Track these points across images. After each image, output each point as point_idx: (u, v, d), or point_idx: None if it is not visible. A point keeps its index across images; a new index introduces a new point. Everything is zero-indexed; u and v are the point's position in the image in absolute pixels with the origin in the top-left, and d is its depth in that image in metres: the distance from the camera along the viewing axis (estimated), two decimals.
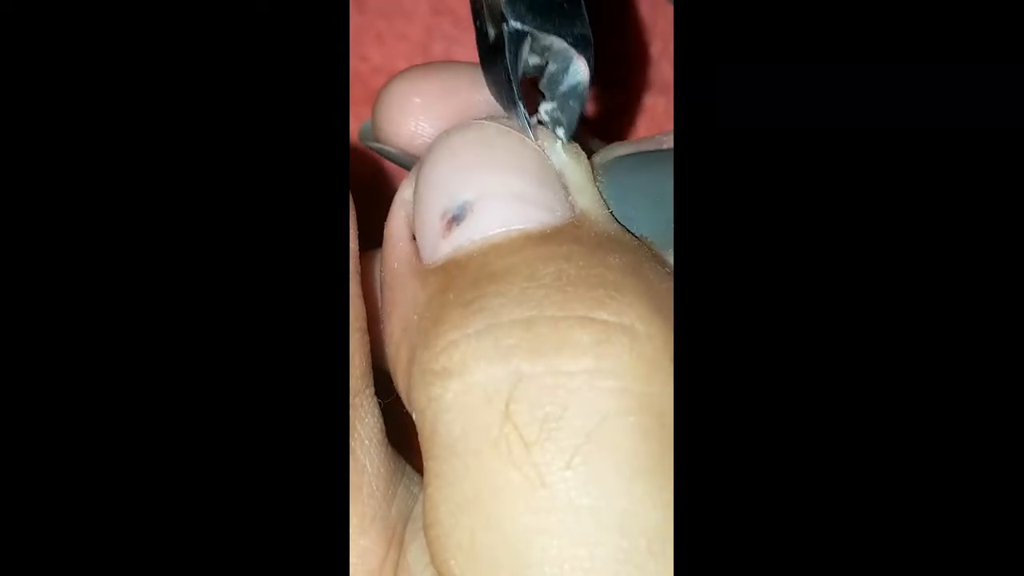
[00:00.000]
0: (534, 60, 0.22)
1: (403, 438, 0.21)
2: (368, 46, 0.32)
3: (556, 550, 0.17)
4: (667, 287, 0.19)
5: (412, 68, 0.24)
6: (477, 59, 0.23)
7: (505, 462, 0.17)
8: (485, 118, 0.21)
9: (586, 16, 0.22)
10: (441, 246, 0.20)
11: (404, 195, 0.22)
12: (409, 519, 0.21)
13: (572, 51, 0.21)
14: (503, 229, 0.20)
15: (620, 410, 0.17)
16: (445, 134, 0.21)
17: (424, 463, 0.19)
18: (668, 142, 0.22)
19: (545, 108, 0.22)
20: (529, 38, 0.21)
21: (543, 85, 0.22)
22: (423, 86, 0.23)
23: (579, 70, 0.21)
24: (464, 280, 0.19)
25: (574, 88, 0.21)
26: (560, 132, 0.21)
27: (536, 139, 0.21)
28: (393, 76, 0.24)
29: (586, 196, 0.21)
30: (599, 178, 0.21)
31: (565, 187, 0.21)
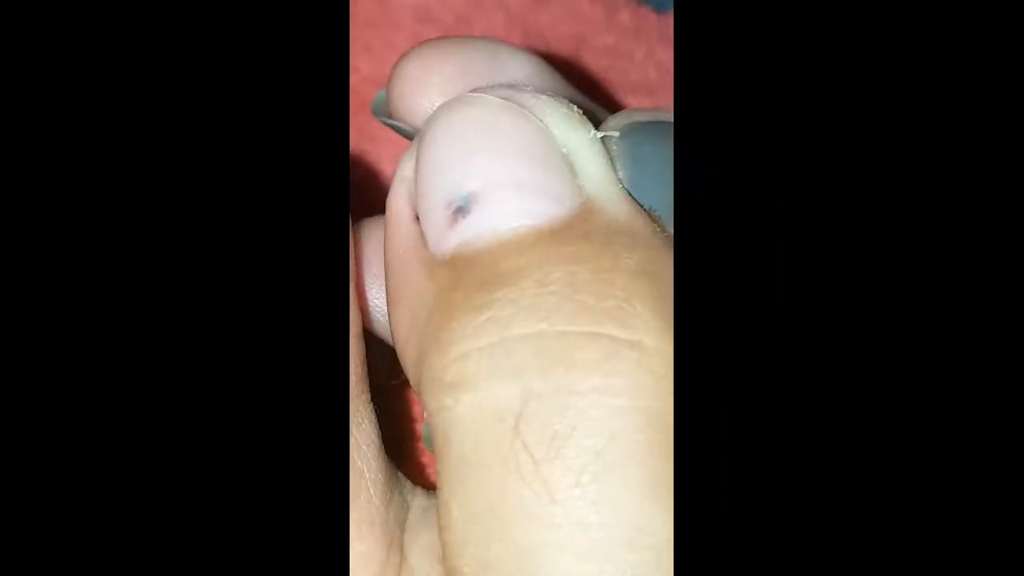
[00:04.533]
0: None
1: (395, 446, 0.22)
2: (356, 57, 0.32)
3: (567, 564, 0.17)
4: None
5: (427, 44, 0.23)
6: None
7: (515, 478, 0.18)
8: (487, 89, 0.21)
9: None
10: (448, 238, 0.20)
11: (405, 172, 0.21)
12: (406, 527, 0.21)
13: None
14: (511, 224, 0.19)
15: (629, 428, 0.18)
16: (445, 108, 0.20)
17: (437, 464, 0.19)
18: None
19: None
20: None
21: None
22: (441, 66, 0.22)
23: None
24: (472, 280, 0.19)
25: None
26: None
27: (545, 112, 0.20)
28: (409, 51, 0.23)
29: (594, 178, 0.20)
30: (616, 142, 0.21)
31: (572, 168, 0.20)
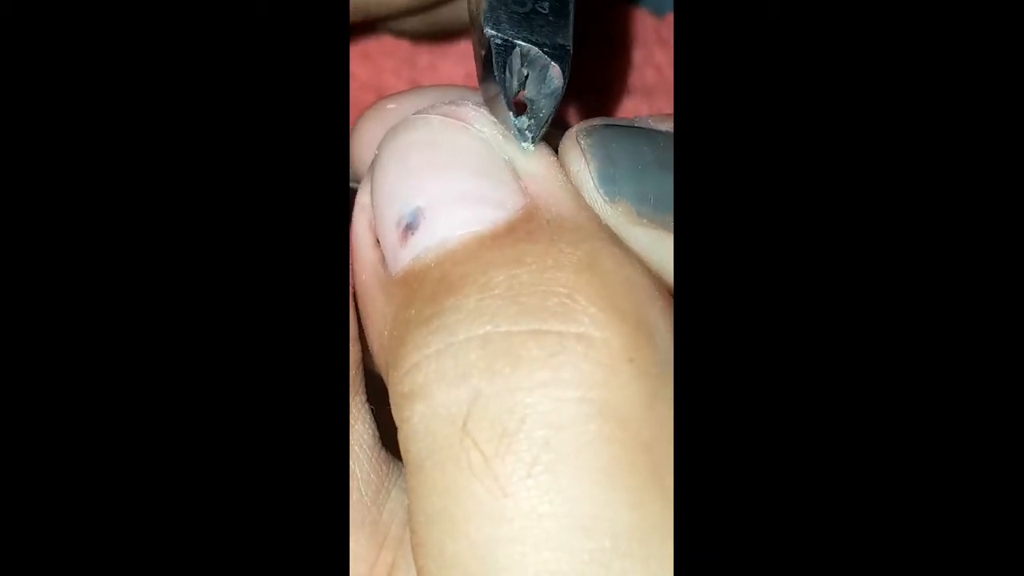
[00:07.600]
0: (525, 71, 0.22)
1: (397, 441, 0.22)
2: (354, 64, 0.33)
3: (520, 555, 0.18)
4: (625, 275, 0.20)
5: (377, 104, 0.24)
6: (463, 70, 0.23)
7: (467, 476, 0.18)
8: (429, 108, 0.22)
9: (571, 25, 0.22)
10: (400, 256, 0.20)
11: (363, 200, 0.22)
12: (406, 521, 0.21)
13: (548, 60, 0.21)
14: (456, 234, 0.20)
15: (579, 418, 0.18)
16: (391, 134, 0.21)
17: (405, 473, 0.20)
18: (640, 123, 0.23)
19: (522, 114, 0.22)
20: (517, 50, 0.21)
21: (523, 92, 0.22)
22: (389, 123, 0.23)
23: (554, 78, 0.22)
24: (423, 294, 0.20)
25: (548, 94, 0.22)
26: (529, 135, 0.21)
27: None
28: (360, 114, 0.24)
29: (538, 178, 0.21)
30: (583, 140, 0.22)
31: (515, 172, 0.21)
